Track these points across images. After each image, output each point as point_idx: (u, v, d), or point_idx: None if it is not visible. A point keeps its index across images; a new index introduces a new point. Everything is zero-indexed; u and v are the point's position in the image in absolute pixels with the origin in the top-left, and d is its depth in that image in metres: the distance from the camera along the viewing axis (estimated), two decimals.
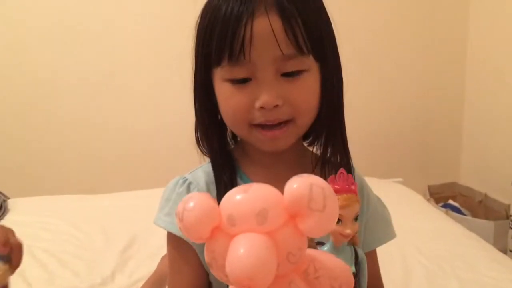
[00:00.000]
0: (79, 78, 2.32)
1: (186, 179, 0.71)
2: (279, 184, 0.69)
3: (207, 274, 0.71)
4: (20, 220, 1.72)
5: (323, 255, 0.44)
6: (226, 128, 0.73)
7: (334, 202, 0.39)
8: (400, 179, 2.39)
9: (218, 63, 0.62)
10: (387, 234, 0.79)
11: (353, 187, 0.56)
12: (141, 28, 2.33)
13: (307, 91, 0.64)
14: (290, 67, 0.61)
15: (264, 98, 0.60)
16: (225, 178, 0.69)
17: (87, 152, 2.37)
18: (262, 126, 0.63)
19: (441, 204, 2.56)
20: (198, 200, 0.39)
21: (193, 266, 0.69)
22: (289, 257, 0.38)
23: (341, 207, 0.53)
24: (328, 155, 0.71)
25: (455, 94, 2.68)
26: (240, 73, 0.61)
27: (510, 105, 2.03)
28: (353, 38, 2.41)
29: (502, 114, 2.30)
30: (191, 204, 0.38)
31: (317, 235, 0.39)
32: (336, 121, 0.69)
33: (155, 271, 1.33)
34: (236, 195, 0.39)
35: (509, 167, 2.07)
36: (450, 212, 2.42)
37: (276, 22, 0.59)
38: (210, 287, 0.72)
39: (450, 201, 2.59)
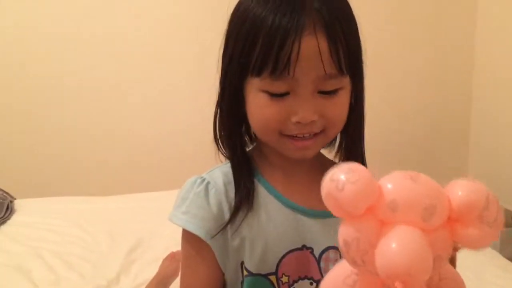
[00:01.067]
0: (86, 81, 2.33)
1: (204, 179, 0.72)
2: (296, 187, 0.71)
3: (222, 274, 0.71)
4: (27, 221, 1.73)
5: (447, 265, 0.43)
6: (247, 131, 0.74)
7: (502, 218, 0.37)
8: None
9: (258, 74, 0.62)
10: None
11: None
12: (147, 33, 2.34)
13: (341, 107, 0.66)
14: (330, 86, 0.63)
15: (302, 114, 0.62)
16: (244, 181, 0.70)
17: (93, 154, 2.37)
18: (293, 136, 0.65)
19: None
20: (363, 175, 0.38)
21: (209, 265, 0.70)
22: (436, 260, 0.37)
23: None
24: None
25: (462, 101, 2.67)
26: (280, 87, 0.62)
27: None
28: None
29: (510, 120, 2.29)
30: (356, 177, 0.37)
31: (473, 247, 0.38)
32: (358, 131, 0.73)
33: (158, 273, 1.33)
34: (403, 181, 0.37)
35: None
36: None
37: (323, 43, 0.60)
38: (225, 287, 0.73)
39: None
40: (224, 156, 0.73)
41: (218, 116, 0.72)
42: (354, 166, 0.39)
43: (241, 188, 0.69)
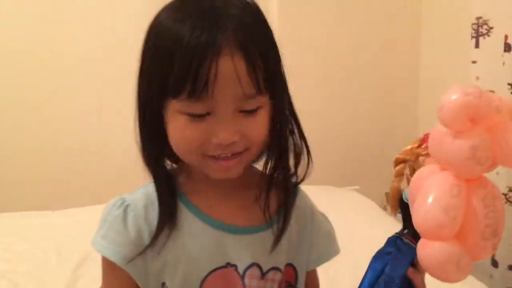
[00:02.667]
0: (26, 96, 2.29)
1: (124, 201, 0.70)
2: (219, 205, 0.71)
3: None
4: None
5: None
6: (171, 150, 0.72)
7: None
8: (357, 187, 2.44)
9: (175, 95, 0.60)
10: (332, 250, 0.82)
11: None
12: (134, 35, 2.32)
13: (261, 126, 0.66)
14: (249, 105, 0.63)
15: (222, 136, 0.62)
16: (166, 203, 0.69)
17: (39, 168, 2.34)
18: (215, 157, 0.65)
19: (398, 210, 2.61)
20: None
21: None
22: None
23: None
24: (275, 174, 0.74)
25: (410, 103, 2.76)
26: (199, 108, 0.61)
27: None
28: (311, 45, 2.46)
29: None
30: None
31: None
32: (284, 147, 0.72)
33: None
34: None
35: None
36: None
37: (239, 64, 0.60)
38: None
39: None
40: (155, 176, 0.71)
41: (140, 136, 0.70)
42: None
43: (163, 211, 0.68)
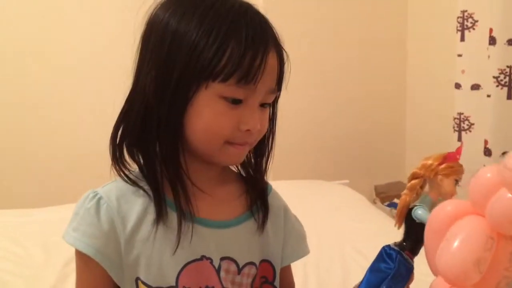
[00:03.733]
0: (14, 89, 2.27)
1: (97, 194, 0.70)
2: (194, 198, 0.70)
3: None
4: None
5: None
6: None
7: None
8: (347, 181, 2.46)
9: (225, 79, 0.63)
10: (303, 250, 0.86)
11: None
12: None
13: (267, 120, 0.73)
14: (270, 99, 0.70)
15: (253, 123, 0.67)
16: (158, 195, 0.69)
17: (25, 165, 2.32)
18: (235, 144, 0.68)
19: (387, 203, 2.64)
20: None
21: (101, 281, 0.68)
22: None
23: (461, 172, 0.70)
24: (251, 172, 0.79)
25: (398, 96, 2.78)
26: (241, 94, 0.65)
27: (448, 108, 2.12)
28: (297, 40, 2.46)
29: (441, 116, 2.40)
30: None
31: None
32: (268, 145, 0.77)
33: None
34: None
35: None
36: (395, 210, 2.50)
37: (276, 60, 0.68)
38: None
39: (395, 200, 2.67)
40: (122, 173, 0.71)
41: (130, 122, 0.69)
42: None
43: (156, 204, 0.68)
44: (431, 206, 0.69)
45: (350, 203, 2.02)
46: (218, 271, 0.71)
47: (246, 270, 0.74)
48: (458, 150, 0.73)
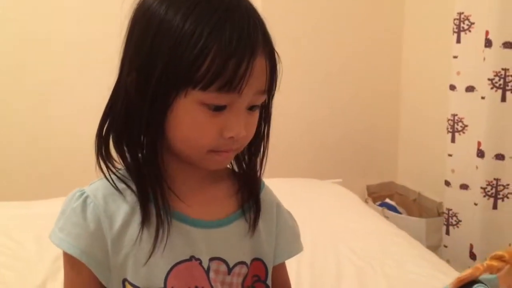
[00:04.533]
0: (15, 82, 2.25)
1: (84, 193, 0.68)
2: (185, 198, 0.69)
3: None
4: None
5: None
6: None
7: None
8: (340, 180, 2.46)
9: (205, 87, 0.59)
10: (296, 247, 0.83)
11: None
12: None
13: (255, 124, 0.69)
14: (259, 101, 0.66)
15: (237, 129, 0.63)
16: (144, 195, 0.67)
17: (18, 158, 2.31)
18: (219, 152, 0.65)
19: (379, 203, 2.65)
20: None
21: (87, 282, 0.67)
22: None
23: None
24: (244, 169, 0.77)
25: (392, 97, 2.79)
26: (223, 101, 0.61)
27: (442, 109, 2.13)
28: (293, 39, 2.46)
29: (435, 118, 2.41)
30: None
31: None
32: (261, 144, 0.74)
33: None
34: None
35: (442, 167, 2.18)
36: (386, 210, 2.52)
37: (265, 61, 0.63)
38: None
39: (387, 200, 2.69)
40: (108, 171, 0.68)
41: (116, 122, 0.67)
42: None
43: (141, 204, 0.66)
44: None
45: (343, 202, 2.03)
46: (207, 271, 0.70)
47: (236, 270, 0.73)
48: None
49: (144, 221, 0.66)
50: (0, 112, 2.27)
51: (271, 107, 0.73)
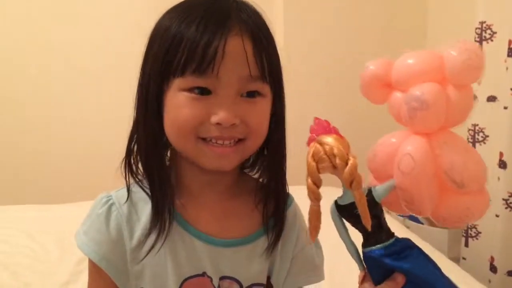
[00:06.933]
0: (37, 86, 2.31)
1: (110, 199, 0.70)
2: (201, 214, 0.70)
3: None
4: None
5: None
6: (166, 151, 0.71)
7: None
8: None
9: (182, 73, 0.61)
10: (311, 277, 0.78)
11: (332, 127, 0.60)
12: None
13: (261, 114, 0.66)
14: (252, 87, 0.64)
15: (222, 115, 0.61)
16: (163, 207, 0.67)
17: (43, 161, 2.35)
18: (211, 142, 0.63)
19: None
20: None
21: (108, 283, 0.69)
22: None
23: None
24: (266, 181, 0.73)
25: None
26: (201, 83, 0.61)
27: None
28: (315, 47, 2.47)
29: (456, 127, 2.38)
30: None
31: None
32: (280, 150, 0.71)
33: None
34: None
35: None
36: (408, 220, 2.48)
37: (248, 44, 0.62)
38: None
39: None
40: (134, 180, 0.70)
41: (136, 132, 0.69)
42: None
43: (160, 216, 0.67)
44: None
45: None
46: None
47: None
48: (317, 125, 0.62)
49: (161, 232, 0.67)
50: (21, 116, 2.32)
51: (281, 108, 0.70)
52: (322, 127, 0.60)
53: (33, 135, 2.34)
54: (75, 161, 2.39)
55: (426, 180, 0.58)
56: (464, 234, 2.13)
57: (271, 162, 0.72)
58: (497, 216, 1.91)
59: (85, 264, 1.45)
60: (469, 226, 2.09)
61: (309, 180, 0.56)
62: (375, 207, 0.60)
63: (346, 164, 0.56)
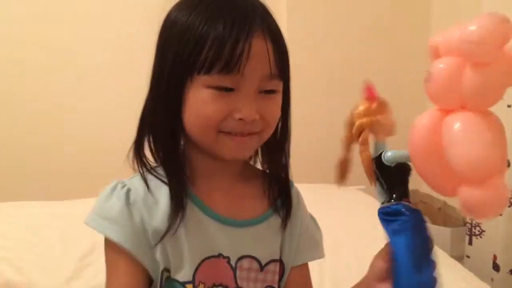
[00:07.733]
0: (40, 86, 2.31)
1: (125, 185, 0.71)
2: (216, 196, 0.73)
3: (146, 275, 0.70)
4: None
5: None
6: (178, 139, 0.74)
7: None
8: (363, 187, 2.44)
9: (208, 71, 0.64)
10: (314, 253, 0.85)
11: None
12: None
13: (277, 109, 0.72)
14: (271, 85, 0.68)
15: (246, 112, 0.65)
16: (181, 190, 0.70)
17: (47, 158, 2.36)
18: (230, 135, 0.67)
19: None
20: None
21: (131, 269, 0.69)
22: None
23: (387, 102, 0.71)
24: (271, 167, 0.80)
25: (419, 109, 2.74)
26: (228, 82, 0.65)
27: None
28: (317, 46, 2.46)
29: None
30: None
31: None
32: (285, 139, 0.78)
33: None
34: None
35: None
36: None
37: (270, 45, 0.66)
38: None
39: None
40: (146, 168, 0.73)
41: (147, 120, 0.72)
42: None
43: (178, 196, 0.69)
44: (385, 147, 0.69)
45: (366, 209, 2.01)
46: (234, 269, 0.72)
47: (271, 267, 0.75)
48: (369, 86, 0.74)
49: (177, 213, 0.69)
50: (26, 114, 2.32)
51: (288, 101, 0.75)
52: (369, 92, 0.72)
53: (37, 132, 2.34)
54: (79, 157, 2.39)
55: (424, 155, 0.60)
56: (468, 233, 2.12)
57: (277, 148, 0.77)
58: (500, 214, 1.91)
59: (88, 261, 1.49)
60: (473, 225, 2.08)
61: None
62: (386, 169, 0.68)
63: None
